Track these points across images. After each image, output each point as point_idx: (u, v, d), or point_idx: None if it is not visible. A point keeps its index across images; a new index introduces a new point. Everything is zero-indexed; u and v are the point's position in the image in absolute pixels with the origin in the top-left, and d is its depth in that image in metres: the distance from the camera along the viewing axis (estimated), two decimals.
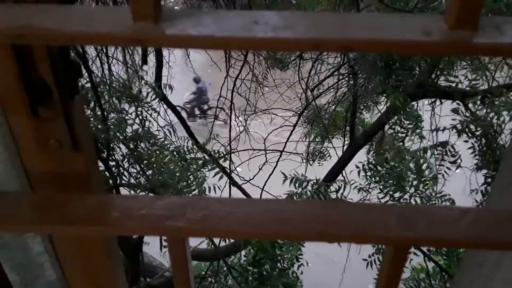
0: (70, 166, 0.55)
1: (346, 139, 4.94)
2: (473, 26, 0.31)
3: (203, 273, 4.67)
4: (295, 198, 3.44)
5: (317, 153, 5.48)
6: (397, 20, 0.33)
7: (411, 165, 3.61)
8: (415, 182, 3.58)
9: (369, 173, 3.63)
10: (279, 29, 0.32)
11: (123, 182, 3.53)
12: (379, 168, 3.59)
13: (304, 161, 5.46)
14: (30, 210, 0.47)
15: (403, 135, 4.15)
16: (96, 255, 0.68)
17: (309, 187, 3.49)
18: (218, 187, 3.55)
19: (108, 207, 0.46)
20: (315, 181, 3.55)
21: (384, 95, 4.16)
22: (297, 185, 3.49)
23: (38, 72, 0.47)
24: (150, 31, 0.32)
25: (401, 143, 4.18)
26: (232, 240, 4.06)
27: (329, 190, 3.53)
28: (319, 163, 5.60)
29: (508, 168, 1.27)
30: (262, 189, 4.32)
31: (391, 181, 3.52)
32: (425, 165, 3.63)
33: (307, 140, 5.59)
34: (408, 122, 4.12)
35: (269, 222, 0.47)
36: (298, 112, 5.20)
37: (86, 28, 0.32)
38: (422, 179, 3.58)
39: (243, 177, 4.72)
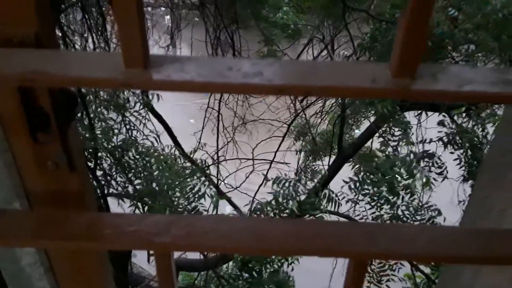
0: (66, 185, 0.61)
1: (333, 152, 4.98)
2: (412, 74, 0.37)
3: (193, 283, 4.69)
4: (279, 198, 3.49)
5: (309, 171, 5.47)
6: (350, 68, 0.39)
7: (402, 170, 3.66)
8: (406, 190, 3.62)
9: (357, 185, 3.67)
10: (249, 76, 0.37)
11: (111, 191, 3.54)
12: (368, 175, 3.63)
13: (297, 177, 5.47)
14: (30, 227, 0.52)
15: (395, 142, 4.21)
16: (89, 267, 0.72)
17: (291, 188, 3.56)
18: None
19: (101, 225, 0.51)
20: (295, 179, 3.62)
21: (372, 106, 4.23)
22: (280, 184, 3.55)
23: (38, 103, 0.52)
24: (139, 77, 0.37)
25: (390, 150, 4.25)
26: None
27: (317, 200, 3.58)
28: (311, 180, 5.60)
29: (484, 181, 1.33)
30: (253, 198, 4.36)
31: (381, 190, 3.56)
32: (415, 170, 3.68)
33: (298, 156, 5.60)
34: (397, 129, 4.19)
35: (248, 238, 0.52)
36: (287, 123, 5.27)
37: (86, 74, 0.38)
38: (409, 190, 3.63)
39: (230, 185, 4.76)
